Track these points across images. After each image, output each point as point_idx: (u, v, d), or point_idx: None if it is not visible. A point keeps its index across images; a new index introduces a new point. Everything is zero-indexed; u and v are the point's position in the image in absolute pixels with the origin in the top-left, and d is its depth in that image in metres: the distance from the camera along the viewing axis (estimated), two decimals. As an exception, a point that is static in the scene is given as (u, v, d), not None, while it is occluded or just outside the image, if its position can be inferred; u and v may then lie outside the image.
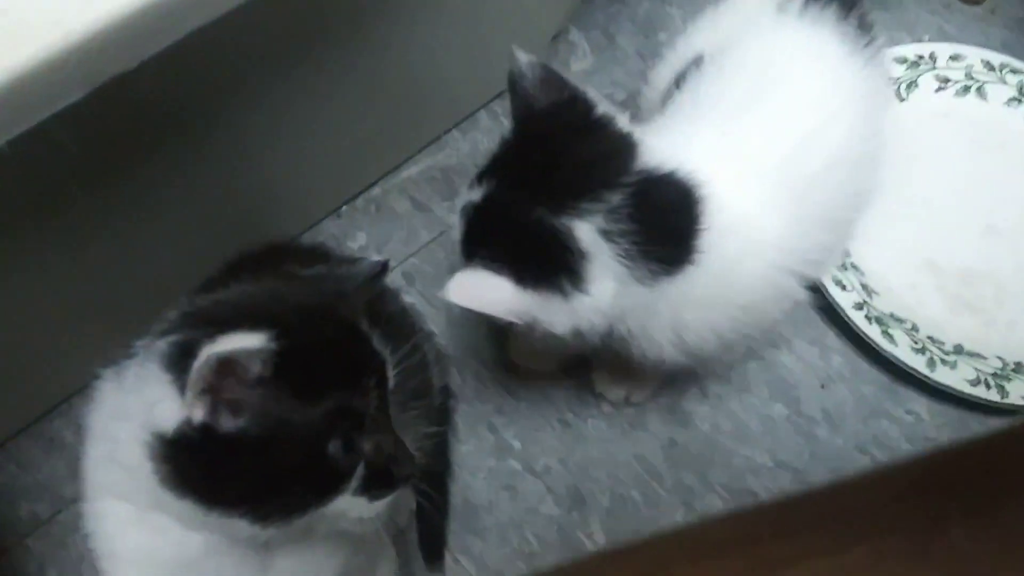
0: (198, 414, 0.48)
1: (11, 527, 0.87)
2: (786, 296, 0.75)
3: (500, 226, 0.66)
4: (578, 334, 0.68)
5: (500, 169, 0.67)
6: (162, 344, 0.51)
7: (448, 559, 0.85)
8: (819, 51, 0.75)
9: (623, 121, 0.68)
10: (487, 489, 0.89)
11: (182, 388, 0.47)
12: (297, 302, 0.54)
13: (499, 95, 1.06)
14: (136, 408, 0.50)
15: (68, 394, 0.91)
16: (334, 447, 0.50)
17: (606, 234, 0.63)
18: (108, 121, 0.66)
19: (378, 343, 0.55)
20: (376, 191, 1.03)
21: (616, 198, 0.64)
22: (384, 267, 0.60)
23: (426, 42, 0.90)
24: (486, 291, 0.65)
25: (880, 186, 0.80)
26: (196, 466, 0.49)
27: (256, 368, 0.48)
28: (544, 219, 0.63)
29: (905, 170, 0.99)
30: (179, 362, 0.48)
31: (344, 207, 1.02)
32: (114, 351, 0.54)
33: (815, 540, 0.34)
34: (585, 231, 0.63)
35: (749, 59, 0.75)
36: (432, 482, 0.83)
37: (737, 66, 0.75)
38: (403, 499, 0.85)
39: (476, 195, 0.67)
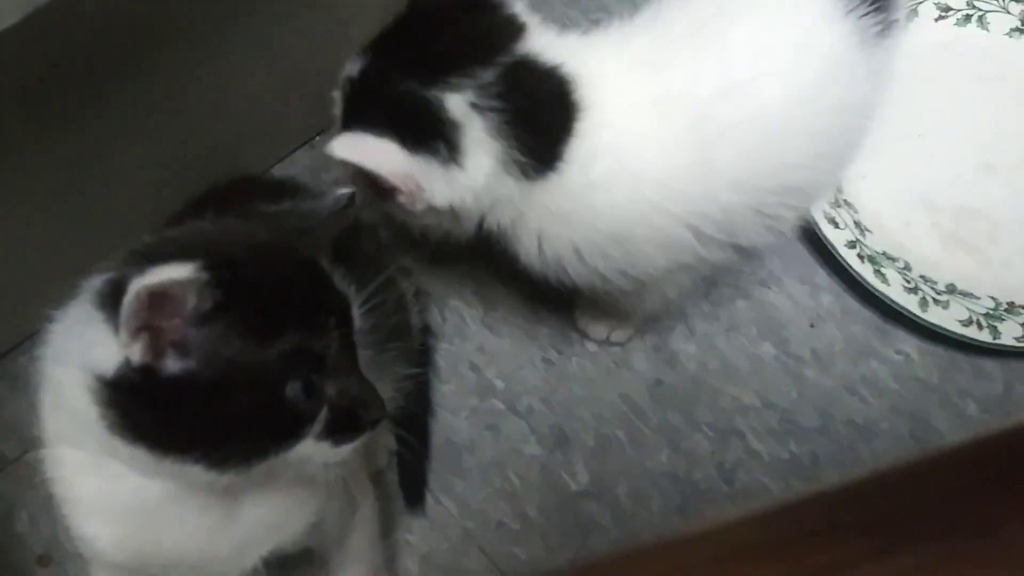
0: (136, 354, 0.45)
1: (-24, 467, 0.84)
2: (676, 247, 0.71)
3: (378, 97, 0.66)
4: (456, 219, 0.69)
5: (381, 43, 0.68)
6: (96, 281, 0.48)
7: (429, 499, 0.83)
8: (794, 5, 0.70)
9: (519, 8, 0.68)
10: (469, 429, 0.87)
11: (117, 327, 0.45)
12: (249, 238, 0.51)
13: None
14: (77, 351, 0.48)
15: (33, 331, 0.88)
16: (292, 390, 0.47)
17: (477, 108, 0.64)
18: (74, 35, 0.61)
19: (340, 281, 0.52)
20: (353, 121, 0.99)
21: (488, 75, 0.64)
22: (351, 200, 0.57)
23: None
24: (373, 150, 0.65)
25: (875, 122, 0.77)
26: (143, 411, 0.47)
27: (192, 301, 0.45)
28: (415, 91, 0.64)
29: (901, 104, 0.95)
30: (113, 300, 0.45)
31: (317, 137, 0.97)
32: (67, 291, 0.50)
33: (859, 543, 0.30)
34: (456, 103, 0.64)
35: None
36: (413, 423, 0.81)
37: None
38: (381, 440, 0.83)
39: (354, 68, 0.67)
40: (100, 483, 0.51)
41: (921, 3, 1.03)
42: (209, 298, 0.45)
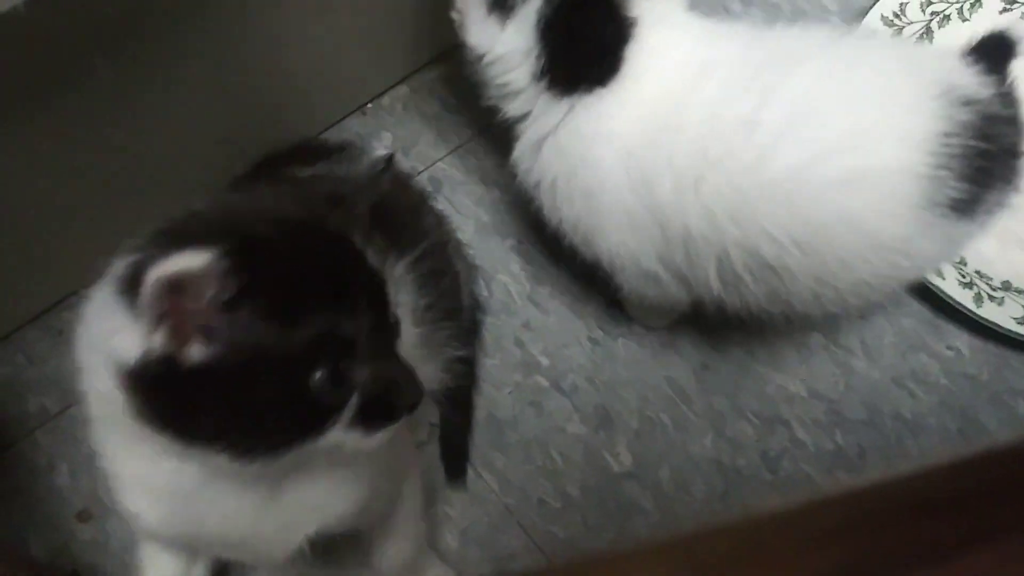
0: (157, 343, 0.43)
1: (20, 420, 0.84)
2: (635, 235, 0.70)
3: None
4: (500, 89, 0.73)
5: None
6: (119, 265, 0.46)
7: (470, 474, 0.83)
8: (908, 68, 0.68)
9: None
10: (512, 405, 0.86)
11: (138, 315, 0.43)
12: (278, 215, 0.48)
13: None
14: (102, 336, 0.45)
15: (78, 286, 0.87)
16: (319, 379, 0.45)
17: None
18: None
19: (375, 257, 0.49)
20: (403, 89, 0.97)
21: None
22: (389, 162, 0.54)
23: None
24: None
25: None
26: (166, 400, 0.45)
27: (212, 289, 0.42)
28: None
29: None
30: (133, 286, 0.43)
31: (370, 104, 0.96)
32: (113, 251, 0.48)
33: (926, 536, 0.28)
34: None
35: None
36: (457, 396, 0.80)
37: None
38: (423, 413, 0.82)
39: None
40: (139, 463, 0.50)
41: (986, -6, 1.01)
42: (232, 284, 0.42)
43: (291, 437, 0.46)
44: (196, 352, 0.43)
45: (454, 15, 0.73)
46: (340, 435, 0.47)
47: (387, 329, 0.49)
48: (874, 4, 1.00)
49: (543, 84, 0.69)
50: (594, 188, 0.70)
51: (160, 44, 0.71)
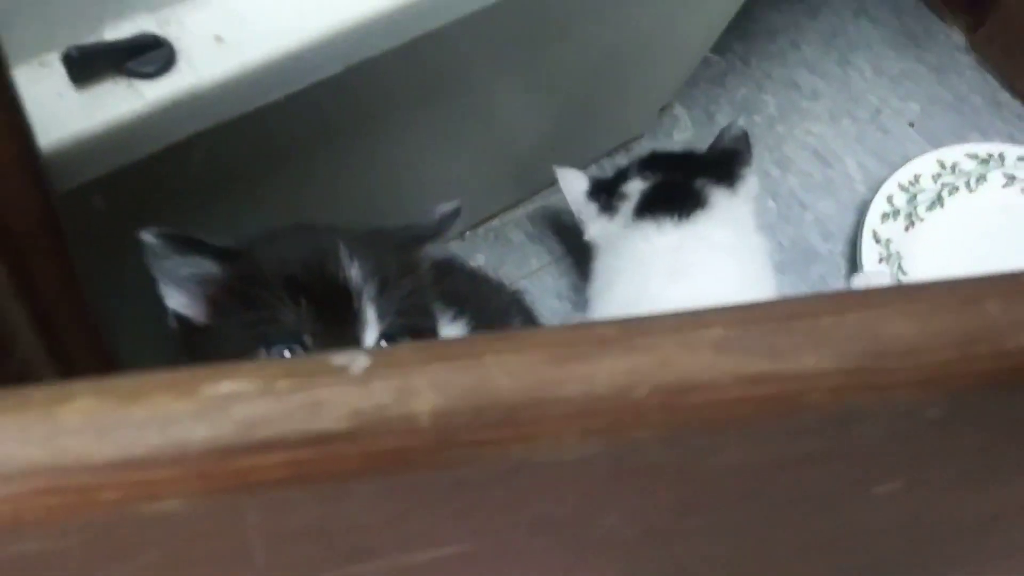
0: (181, 308, 0.58)
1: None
2: None
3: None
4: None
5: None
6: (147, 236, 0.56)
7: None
8: None
9: None
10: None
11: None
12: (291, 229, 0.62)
13: (608, 153, 1.23)
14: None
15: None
16: (261, 354, 0.56)
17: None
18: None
19: (358, 271, 0.58)
20: (495, 222, 1.19)
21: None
22: (453, 213, 0.66)
23: (542, 110, 1.06)
24: (569, 182, 1.06)
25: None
26: (187, 341, 0.59)
27: (220, 283, 0.57)
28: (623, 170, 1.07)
29: (971, 258, 1.11)
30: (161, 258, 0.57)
31: (467, 232, 1.17)
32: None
33: None
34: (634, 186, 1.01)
35: None
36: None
37: None
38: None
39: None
40: None
41: (990, 171, 1.20)
42: (231, 280, 0.57)
43: None
44: (202, 316, 0.58)
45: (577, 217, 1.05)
46: None
47: (349, 333, 0.57)
48: (891, 174, 1.19)
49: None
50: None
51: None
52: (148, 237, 0.54)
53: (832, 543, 0.40)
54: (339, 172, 0.92)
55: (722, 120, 1.26)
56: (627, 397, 0.25)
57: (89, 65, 0.45)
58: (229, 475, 0.24)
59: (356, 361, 0.25)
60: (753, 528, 0.37)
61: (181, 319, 0.59)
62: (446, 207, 0.66)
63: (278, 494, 0.25)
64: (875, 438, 0.29)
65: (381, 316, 0.58)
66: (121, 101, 0.46)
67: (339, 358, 0.25)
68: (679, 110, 1.28)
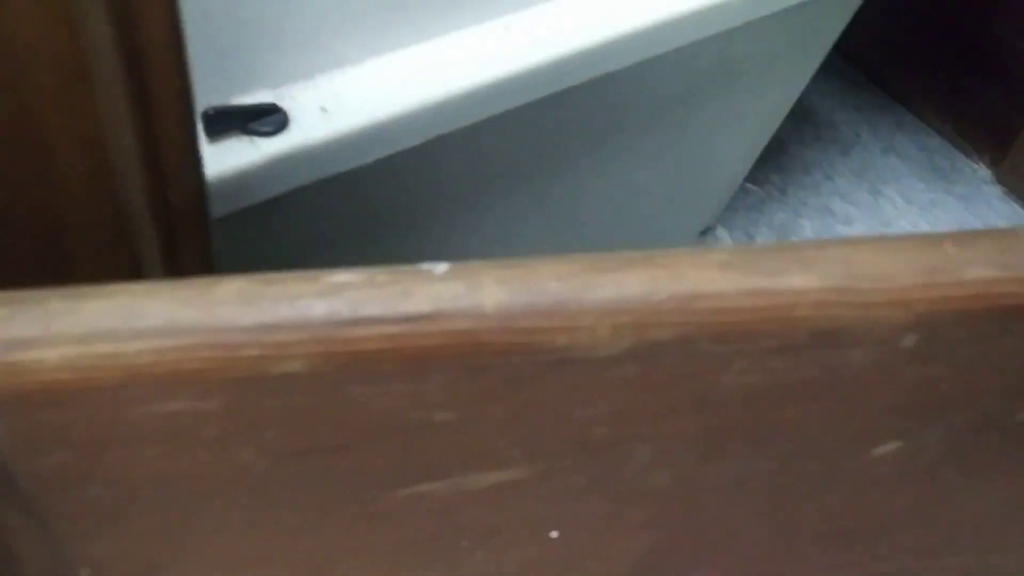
0: None
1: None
2: None
3: None
4: None
5: None
6: None
7: None
8: None
9: None
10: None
11: None
12: None
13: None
14: None
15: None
16: None
17: None
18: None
19: None
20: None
21: None
22: None
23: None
24: None
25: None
26: None
27: None
28: None
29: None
30: None
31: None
32: None
33: None
34: None
35: None
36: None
37: None
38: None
39: None
40: None
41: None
42: None
43: None
44: None
45: None
46: None
47: None
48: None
49: None
50: None
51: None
52: None
53: (841, 521, 0.44)
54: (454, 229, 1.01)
55: (762, 241, 1.35)
56: (649, 300, 0.32)
57: (221, 123, 0.56)
58: (339, 342, 0.31)
59: (438, 267, 0.32)
60: (769, 493, 0.42)
61: None
62: None
63: (375, 367, 0.32)
64: (861, 367, 0.35)
65: None
66: (243, 154, 0.57)
67: (425, 265, 0.33)
68: (721, 232, 1.37)
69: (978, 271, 0.33)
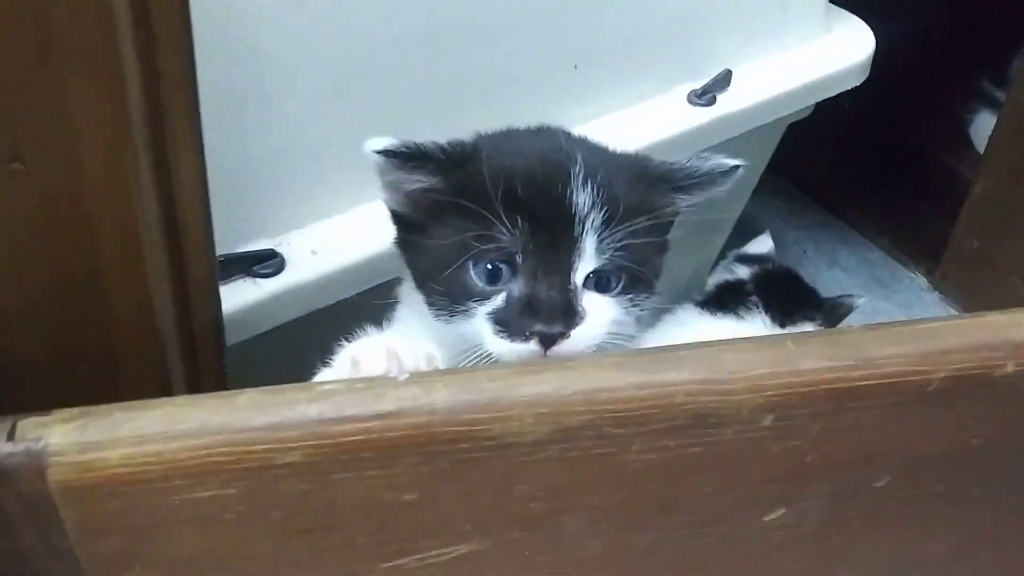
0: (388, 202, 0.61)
1: None
2: None
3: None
4: None
5: None
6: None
7: None
8: None
9: None
10: None
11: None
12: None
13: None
14: None
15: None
16: (475, 268, 0.55)
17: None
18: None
19: (583, 194, 0.55)
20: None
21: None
22: (732, 169, 0.59)
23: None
24: None
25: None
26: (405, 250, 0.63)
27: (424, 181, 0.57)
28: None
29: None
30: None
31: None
32: None
33: None
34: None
35: None
36: None
37: None
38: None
39: None
40: None
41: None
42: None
43: (454, 299, 0.56)
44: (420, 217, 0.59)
45: None
46: (482, 325, 0.55)
47: (564, 257, 0.55)
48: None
49: None
50: None
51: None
52: (373, 155, 0.55)
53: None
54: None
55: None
56: (561, 394, 0.42)
57: (230, 268, 0.68)
58: (327, 436, 0.41)
59: (402, 375, 0.43)
60: (684, 555, 0.51)
61: (398, 215, 0.61)
62: (725, 160, 0.59)
63: (355, 455, 0.41)
64: (735, 443, 0.45)
65: (600, 250, 0.56)
66: (248, 293, 0.69)
67: (392, 372, 0.43)
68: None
69: (810, 362, 0.44)
